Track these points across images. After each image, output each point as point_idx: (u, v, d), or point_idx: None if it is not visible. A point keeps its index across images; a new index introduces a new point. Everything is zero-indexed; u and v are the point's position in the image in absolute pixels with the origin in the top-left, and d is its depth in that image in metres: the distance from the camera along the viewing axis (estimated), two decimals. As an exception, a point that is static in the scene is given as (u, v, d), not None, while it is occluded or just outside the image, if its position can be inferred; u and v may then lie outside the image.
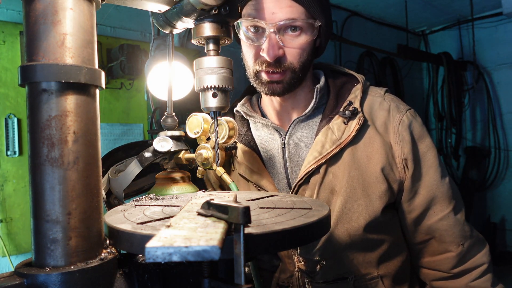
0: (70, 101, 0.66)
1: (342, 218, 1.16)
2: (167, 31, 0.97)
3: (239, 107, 1.31)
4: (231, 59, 0.89)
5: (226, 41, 0.90)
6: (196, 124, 1.11)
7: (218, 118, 0.94)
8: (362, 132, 1.19)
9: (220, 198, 0.86)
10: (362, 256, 1.19)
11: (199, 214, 0.67)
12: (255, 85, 1.22)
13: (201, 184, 1.24)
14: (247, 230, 0.60)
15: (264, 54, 1.11)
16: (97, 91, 0.72)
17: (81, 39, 0.68)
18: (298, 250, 1.18)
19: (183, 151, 1.12)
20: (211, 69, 0.87)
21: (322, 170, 1.17)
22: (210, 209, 0.66)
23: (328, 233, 1.12)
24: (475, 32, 5.50)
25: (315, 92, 1.23)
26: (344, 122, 1.18)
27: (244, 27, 1.14)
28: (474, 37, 5.52)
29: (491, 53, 5.52)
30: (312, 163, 1.16)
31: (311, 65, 1.25)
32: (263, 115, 1.34)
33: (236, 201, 0.80)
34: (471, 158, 5.65)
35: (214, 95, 0.88)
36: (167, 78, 1.10)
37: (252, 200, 0.90)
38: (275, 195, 0.98)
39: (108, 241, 0.72)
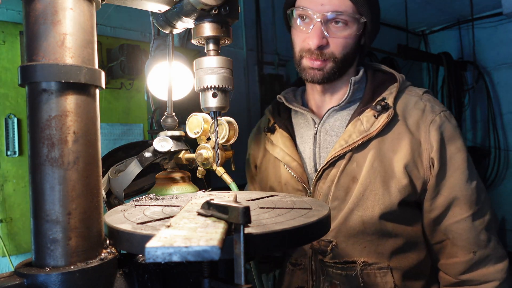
0: (70, 101, 0.66)
1: (358, 205, 1.22)
2: (167, 31, 0.97)
3: (282, 94, 1.45)
4: (231, 59, 0.89)
5: (226, 41, 0.90)
6: (196, 124, 1.11)
7: (218, 118, 0.94)
8: (391, 127, 1.24)
9: (220, 198, 0.86)
10: (375, 246, 1.23)
11: (199, 214, 0.67)
12: (298, 71, 1.32)
13: (201, 184, 1.24)
14: (247, 230, 0.60)
15: (309, 42, 1.23)
16: (97, 91, 0.72)
17: (81, 39, 0.68)
18: None
19: (183, 151, 1.12)
20: (211, 69, 0.87)
21: (346, 157, 1.25)
22: (210, 209, 0.66)
23: (344, 216, 1.23)
24: (475, 32, 5.50)
25: (349, 84, 1.32)
26: (374, 116, 1.24)
27: (294, 17, 1.27)
28: (474, 37, 5.52)
29: (491, 53, 5.52)
30: (337, 150, 1.24)
31: (355, 60, 1.34)
32: (304, 105, 1.46)
33: (236, 201, 0.80)
34: (471, 158, 5.64)
35: (214, 95, 0.88)
36: (167, 78, 1.10)
37: (252, 200, 0.90)
38: (275, 195, 0.98)
39: (108, 241, 0.72)
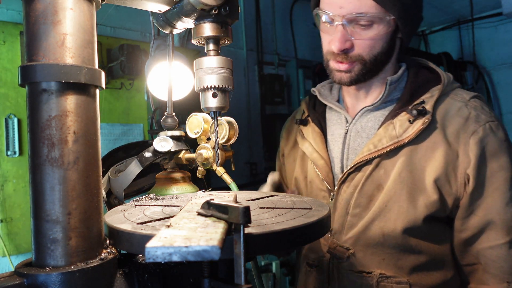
0: (70, 101, 0.66)
1: (380, 216, 1.15)
2: (167, 31, 0.97)
3: (317, 87, 1.39)
4: (231, 59, 0.89)
5: (226, 41, 0.90)
6: (196, 124, 1.11)
7: (218, 118, 0.94)
8: (427, 134, 1.13)
9: (220, 198, 0.86)
10: (395, 259, 1.15)
11: (199, 214, 0.67)
12: (327, 72, 1.27)
13: (201, 184, 1.24)
14: (247, 230, 0.60)
15: (332, 45, 1.17)
16: (97, 91, 0.72)
17: (81, 39, 0.68)
18: (333, 233, 1.23)
19: (183, 151, 1.12)
20: (211, 69, 0.87)
21: (374, 163, 1.17)
22: (210, 209, 0.66)
23: (364, 225, 1.17)
24: (475, 32, 5.50)
25: (386, 84, 1.22)
26: (409, 121, 1.14)
27: (322, 17, 1.20)
28: (474, 37, 5.52)
29: (491, 53, 5.52)
30: (365, 154, 1.17)
31: (391, 58, 1.24)
32: (340, 99, 1.40)
33: (236, 201, 0.81)
34: (471, 158, 5.64)
35: (214, 95, 0.88)
36: (167, 78, 1.10)
37: (252, 200, 0.90)
38: (275, 195, 0.98)
39: (108, 241, 0.72)
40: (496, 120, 1.16)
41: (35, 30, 0.65)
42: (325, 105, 1.41)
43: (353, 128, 1.28)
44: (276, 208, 0.79)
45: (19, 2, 0.68)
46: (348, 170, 1.20)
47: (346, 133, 1.29)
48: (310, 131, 1.35)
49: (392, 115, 1.19)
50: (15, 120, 2.68)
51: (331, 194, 1.26)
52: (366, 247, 1.17)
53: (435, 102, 1.15)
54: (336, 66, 1.20)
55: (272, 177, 1.36)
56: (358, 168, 1.20)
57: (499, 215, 1.11)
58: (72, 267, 0.63)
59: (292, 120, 1.52)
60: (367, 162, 1.18)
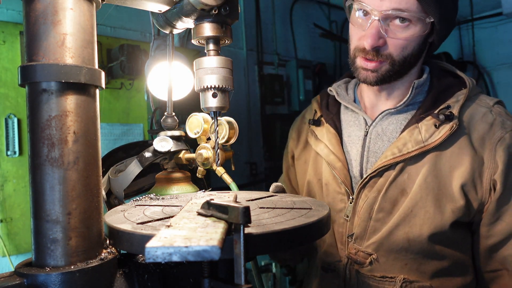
0: (70, 101, 0.66)
1: (405, 221, 1.12)
2: (167, 31, 0.97)
3: (334, 87, 1.34)
4: (231, 59, 0.89)
5: (226, 41, 0.90)
6: (196, 124, 1.11)
7: (218, 118, 0.94)
8: (453, 140, 1.12)
9: (220, 198, 0.86)
10: (418, 264, 1.14)
11: (199, 214, 0.67)
12: (351, 69, 1.22)
13: (201, 184, 1.24)
14: (247, 230, 0.60)
15: (364, 41, 1.11)
16: (97, 91, 0.72)
17: (81, 39, 0.68)
18: (354, 239, 1.19)
19: (183, 151, 1.12)
20: (211, 69, 0.87)
21: (398, 168, 1.14)
22: (210, 209, 0.66)
23: (388, 230, 1.14)
24: (475, 32, 5.50)
25: (411, 87, 1.19)
26: (435, 125, 1.12)
27: (355, 9, 1.15)
28: (474, 37, 5.52)
29: (491, 53, 5.52)
30: (388, 158, 1.14)
31: (418, 61, 1.21)
32: (356, 100, 1.35)
33: (236, 201, 0.81)
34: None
35: (214, 95, 0.88)
36: (167, 78, 1.10)
37: (252, 200, 0.90)
38: (275, 195, 0.98)
39: (108, 241, 0.72)
40: None
41: (35, 30, 0.65)
42: (339, 105, 1.36)
43: (373, 130, 1.24)
44: (276, 208, 0.79)
45: (19, 2, 0.68)
46: (370, 174, 1.17)
47: (365, 135, 1.25)
48: (325, 132, 1.31)
49: (417, 119, 1.16)
50: (15, 120, 2.68)
51: (351, 197, 1.21)
52: (389, 252, 1.14)
53: (461, 107, 1.14)
54: (363, 64, 1.15)
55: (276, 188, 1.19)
56: (380, 172, 1.16)
57: None
58: (72, 267, 0.63)
59: (302, 120, 1.47)
60: (391, 166, 1.15)
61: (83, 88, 0.67)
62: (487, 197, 1.10)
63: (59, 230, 0.64)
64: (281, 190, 1.06)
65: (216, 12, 0.83)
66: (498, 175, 1.09)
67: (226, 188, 1.14)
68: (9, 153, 2.67)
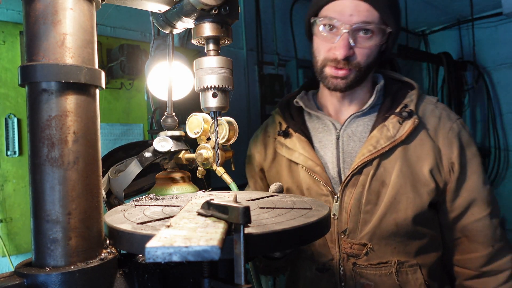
0: (70, 101, 0.66)
1: (391, 208, 1.25)
2: (167, 31, 0.97)
3: (299, 99, 1.44)
4: (231, 59, 0.89)
5: (226, 41, 0.90)
6: (196, 124, 1.11)
7: (218, 118, 0.94)
8: (415, 133, 1.28)
9: (220, 198, 0.86)
10: (404, 245, 1.28)
11: (199, 214, 0.67)
12: (320, 79, 1.34)
13: (201, 184, 1.24)
14: (247, 230, 0.60)
15: (336, 52, 1.24)
16: (97, 91, 0.72)
17: (81, 39, 0.68)
18: (347, 234, 1.28)
19: (183, 151, 1.12)
20: (211, 69, 0.87)
21: (374, 163, 1.27)
22: (210, 209, 0.66)
23: (378, 219, 1.26)
24: (475, 32, 5.50)
25: (375, 92, 1.36)
26: (399, 122, 1.28)
27: (321, 25, 1.27)
28: (474, 37, 5.52)
29: (491, 53, 5.52)
30: (366, 155, 1.26)
31: (375, 67, 1.36)
32: (318, 109, 1.47)
33: (236, 201, 0.80)
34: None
35: (214, 95, 0.88)
36: (167, 78, 1.10)
37: (252, 200, 0.90)
38: (275, 195, 0.98)
39: (108, 241, 0.72)
40: (460, 117, 1.38)
41: (35, 30, 0.65)
42: (303, 115, 1.47)
43: (344, 133, 1.36)
44: (276, 208, 0.79)
45: (19, 2, 0.68)
46: (352, 172, 1.27)
47: (337, 138, 1.36)
48: (296, 141, 1.39)
49: (383, 119, 1.31)
50: (15, 120, 2.68)
51: (336, 197, 1.30)
52: (381, 239, 1.26)
53: (415, 105, 1.31)
54: (333, 72, 1.27)
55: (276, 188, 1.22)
56: (360, 169, 1.27)
57: (479, 193, 1.31)
58: (72, 267, 0.63)
59: (264, 134, 1.54)
60: (368, 162, 1.26)
61: (83, 88, 0.67)
62: (448, 178, 1.30)
63: (59, 230, 0.64)
64: (281, 190, 1.08)
65: (216, 12, 0.83)
66: (455, 158, 1.29)
67: (226, 188, 1.14)
68: (9, 153, 2.66)
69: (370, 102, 1.35)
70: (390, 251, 1.27)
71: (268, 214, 0.73)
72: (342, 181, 1.29)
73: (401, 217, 1.25)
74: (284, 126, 1.45)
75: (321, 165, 1.33)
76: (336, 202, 1.30)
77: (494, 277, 1.31)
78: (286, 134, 1.42)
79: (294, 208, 0.78)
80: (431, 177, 1.26)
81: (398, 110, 1.30)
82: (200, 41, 0.90)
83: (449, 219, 1.34)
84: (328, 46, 1.27)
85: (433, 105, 1.36)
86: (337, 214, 1.29)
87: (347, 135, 1.36)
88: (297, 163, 1.37)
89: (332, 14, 1.23)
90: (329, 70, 1.28)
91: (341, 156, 1.34)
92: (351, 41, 1.22)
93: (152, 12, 0.93)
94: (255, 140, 1.58)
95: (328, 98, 1.43)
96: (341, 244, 1.29)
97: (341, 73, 1.26)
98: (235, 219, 0.57)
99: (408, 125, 1.26)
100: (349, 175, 1.28)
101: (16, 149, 2.68)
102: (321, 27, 1.27)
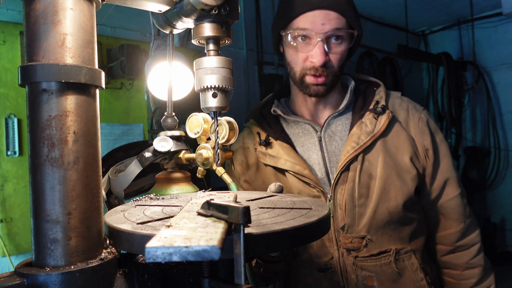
0: (70, 101, 0.66)
1: (383, 198, 1.32)
2: (167, 31, 0.97)
3: (276, 108, 1.49)
4: (231, 59, 0.89)
5: (226, 41, 0.90)
6: (196, 124, 1.11)
7: (218, 118, 0.94)
8: (390, 126, 1.38)
9: (220, 198, 0.86)
10: (398, 232, 1.35)
11: (199, 214, 0.67)
12: (300, 88, 1.41)
13: (201, 184, 1.24)
14: (247, 230, 0.60)
15: (313, 60, 1.31)
16: (97, 91, 0.72)
17: (81, 39, 0.68)
18: (346, 229, 1.33)
19: (183, 151, 1.12)
20: (211, 69, 0.87)
21: (359, 158, 1.34)
22: (210, 209, 0.66)
23: (372, 210, 1.32)
24: (475, 32, 5.50)
25: (348, 92, 1.45)
26: (374, 118, 1.37)
27: (291, 38, 1.34)
28: (474, 37, 5.53)
29: (491, 53, 5.52)
30: (351, 152, 1.33)
31: (344, 68, 1.44)
32: (294, 114, 1.52)
33: (236, 201, 0.81)
34: (471, 158, 5.65)
35: (214, 95, 0.88)
36: (167, 78, 1.10)
37: (252, 200, 0.90)
38: (275, 195, 0.98)
39: (108, 241, 0.72)
40: (424, 107, 1.50)
41: (35, 30, 0.65)
42: (280, 124, 1.51)
43: (325, 134, 1.42)
44: (276, 208, 0.79)
45: (19, 2, 0.68)
46: (341, 170, 1.33)
47: (320, 140, 1.42)
48: (279, 148, 1.41)
49: (360, 116, 1.39)
50: (15, 120, 2.68)
51: (328, 196, 1.35)
52: (377, 229, 1.32)
53: (385, 100, 1.41)
54: (313, 80, 1.34)
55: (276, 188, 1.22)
56: (347, 166, 1.34)
57: (451, 173, 1.44)
58: (72, 267, 0.63)
59: (243, 145, 1.55)
60: (354, 158, 1.33)
61: (83, 88, 0.67)
62: (425, 163, 1.41)
63: (59, 230, 0.64)
64: (281, 190, 1.08)
65: (216, 12, 0.83)
66: (428, 144, 1.40)
67: (226, 188, 1.14)
68: (9, 153, 2.67)
69: (345, 102, 1.43)
70: (387, 239, 1.34)
71: (268, 214, 0.73)
72: (333, 180, 1.34)
73: (392, 205, 1.32)
74: (263, 135, 1.47)
75: (308, 167, 1.37)
76: (329, 201, 1.34)
77: (466, 251, 1.44)
78: (267, 143, 1.44)
79: (294, 208, 0.79)
80: (411, 164, 1.36)
81: (371, 107, 1.39)
82: (200, 41, 0.90)
83: (429, 201, 1.45)
84: (303, 55, 1.33)
85: (399, 99, 1.47)
86: (332, 213, 1.34)
87: (328, 136, 1.42)
88: (284, 170, 1.39)
89: (305, 25, 1.30)
90: (309, 79, 1.35)
91: (326, 156, 1.40)
92: (325, 48, 1.29)
93: (152, 12, 0.93)
94: (234, 154, 1.56)
95: (303, 104, 1.49)
96: (340, 241, 1.33)
97: (320, 80, 1.34)
98: (235, 219, 0.57)
99: (384, 119, 1.35)
100: (338, 173, 1.33)
101: (16, 149, 2.68)
102: (293, 39, 1.34)
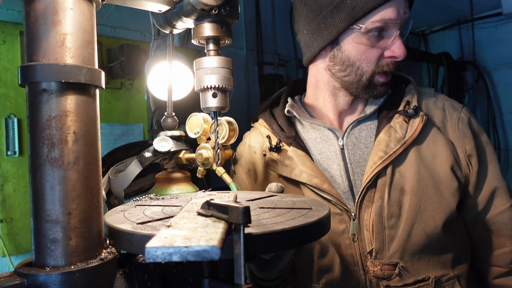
0: (70, 101, 0.66)
1: (418, 218, 1.12)
2: (167, 31, 0.97)
3: (291, 109, 1.28)
4: (231, 59, 0.89)
5: (226, 41, 0.90)
6: (196, 124, 1.11)
7: (218, 118, 0.94)
8: (425, 130, 1.18)
9: (220, 198, 0.86)
10: (438, 258, 1.15)
11: (199, 214, 0.67)
12: (362, 90, 1.19)
13: (201, 184, 1.24)
14: (247, 230, 0.60)
15: (395, 54, 1.13)
16: (97, 91, 0.72)
17: (81, 39, 0.68)
18: (374, 254, 1.13)
19: (183, 151, 1.12)
20: (211, 69, 0.87)
21: (389, 170, 1.14)
22: (210, 209, 0.66)
23: (405, 233, 1.12)
24: (475, 32, 5.50)
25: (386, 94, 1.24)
26: (405, 121, 1.17)
27: (365, 32, 1.12)
28: (474, 37, 5.53)
29: (491, 53, 5.52)
30: (378, 163, 1.13)
31: None
32: (310, 116, 1.33)
33: (236, 201, 0.80)
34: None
35: (214, 95, 0.88)
36: (167, 78, 1.10)
37: (252, 200, 0.90)
38: (275, 195, 0.98)
39: (108, 241, 0.72)
40: (464, 105, 1.27)
41: (35, 30, 0.65)
42: (294, 125, 1.32)
43: (348, 141, 1.22)
44: (276, 208, 0.79)
45: (19, 2, 0.68)
46: (367, 184, 1.13)
47: (342, 148, 1.22)
48: (293, 155, 1.21)
49: (388, 120, 1.19)
50: (15, 120, 2.68)
51: (352, 214, 1.15)
52: (413, 254, 1.13)
53: (417, 100, 1.21)
54: (382, 79, 1.17)
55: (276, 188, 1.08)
56: (374, 180, 1.14)
57: (499, 182, 1.21)
58: (72, 267, 0.63)
59: (249, 150, 1.35)
60: (381, 171, 1.13)
61: (83, 88, 0.67)
62: (468, 172, 1.19)
63: (59, 230, 0.64)
64: (282, 190, 1.05)
65: (216, 12, 0.83)
66: (471, 149, 1.18)
67: (226, 188, 1.14)
68: (9, 153, 2.67)
69: (375, 106, 1.23)
70: (425, 266, 1.13)
71: (268, 214, 0.73)
72: (357, 196, 1.14)
73: (431, 226, 1.12)
74: (274, 139, 1.26)
75: (328, 181, 1.17)
76: (353, 220, 1.14)
77: None
78: (278, 149, 1.23)
79: (294, 208, 0.78)
80: (452, 176, 1.14)
81: (401, 108, 1.19)
82: (200, 41, 0.90)
83: (472, 216, 1.22)
84: (378, 52, 1.14)
85: (434, 97, 1.25)
86: (357, 234, 1.14)
87: (352, 143, 1.21)
88: (299, 181, 1.19)
89: (387, 15, 1.09)
90: (379, 78, 1.16)
91: (349, 167, 1.19)
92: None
93: (152, 12, 0.93)
94: (238, 160, 1.39)
95: (332, 104, 1.27)
96: (368, 267, 1.14)
97: (389, 77, 1.18)
98: (235, 219, 0.57)
99: (417, 123, 1.15)
100: (364, 187, 1.13)
101: (16, 149, 2.68)
102: (367, 34, 1.12)
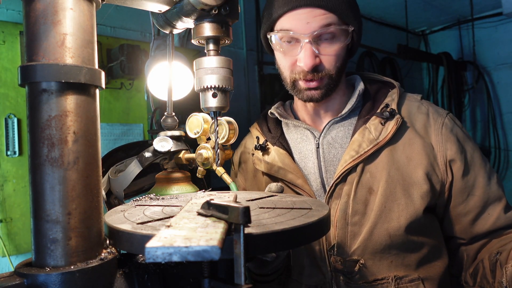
0: (70, 101, 0.66)
1: (382, 218, 1.15)
2: (167, 31, 0.97)
3: (273, 110, 1.37)
4: (231, 59, 0.89)
5: (226, 41, 0.90)
6: (196, 124, 1.11)
7: (218, 118, 0.94)
8: (401, 133, 1.20)
9: (220, 198, 0.86)
10: (401, 258, 1.16)
11: (199, 214, 0.67)
12: (293, 93, 1.26)
13: (201, 184, 1.24)
14: (247, 230, 0.60)
15: (301, 64, 1.16)
16: (97, 91, 0.72)
17: (81, 39, 0.68)
18: (335, 250, 1.16)
19: (183, 151, 1.12)
20: (211, 69, 0.87)
21: (359, 169, 1.18)
22: (210, 209, 0.66)
23: (368, 231, 1.15)
24: (475, 32, 5.50)
25: (355, 95, 1.28)
26: (381, 123, 1.20)
27: (278, 39, 1.20)
28: (474, 37, 5.53)
29: (491, 53, 5.52)
30: (348, 161, 1.17)
31: (345, 69, 1.28)
32: (296, 118, 1.39)
33: (236, 201, 0.81)
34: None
35: (214, 95, 0.88)
36: (167, 78, 1.10)
37: (252, 200, 0.90)
38: (275, 195, 0.98)
39: (108, 241, 0.72)
40: (450, 111, 1.29)
41: (35, 30, 0.65)
42: (281, 128, 1.38)
43: (324, 140, 1.27)
44: (276, 208, 0.79)
45: (19, 2, 0.68)
46: (335, 181, 1.18)
47: (317, 147, 1.27)
48: (275, 154, 1.29)
49: (364, 121, 1.23)
50: (15, 120, 2.68)
51: None
52: (374, 253, 1.15)
53: (397, 104, 1.23)
54: (305, 85, 1.20)
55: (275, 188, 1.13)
56: (344, 177, 1.18)
57: (490, 188, 1.20)
58: (72, 267, 0.63)
59: (244, 150, 1.46)
60: (352, 169, 1.18)
61: (83, 88, 0.67)
62: (445, 177, 1.19)
63: (59, 230, 0.64)
64: (282, 190, 1.06)
65: (216, 12, 0.83)
66: (454, 155, 1.18)
67: (226, 188, 1.14)
68: (9, 153, 2.67)
69: (349, 106, 1.26)
70: (387, 266, 1.15)
71: (268, 214, 0.73)
72: (326, 192, 1.20)
73: (394, 227, 1.14)
74: (262, 139, 1.35)
75: (302, 177, 1.23)
76: None
77: None
78: (263, 148, 1.32)
79: (294, 208, 0.79)
80: (425, 179, 1.16)
81: (379, 110, 1.22)
82: (200, 41, 0.90)
83: (466, 223, 1.21)
84: (292, 59, 1.19)
85: (418, 102, 1.28)
86: None
87: (328, 143, 1.26)
88: (277, 178, 1.27)
89: (288, 25, 1.15)
90: (301, 84, 1.20)
91: (322, 165, 1.25)
92: (314, 49, 1.14)
93: (152, 12, 0.93)
94: (236, 161, 1.49)
95: (303, 108, 1.35)
96: (332, 261, 1.17)
97: (313, 84, 1.19)
98: (235, 219, 0.57)
99: (391, 125, 1.18)
100: (332, 184, 1.18)
101: (16, 149, 2.68)
102: (279, 41, 1.20)
